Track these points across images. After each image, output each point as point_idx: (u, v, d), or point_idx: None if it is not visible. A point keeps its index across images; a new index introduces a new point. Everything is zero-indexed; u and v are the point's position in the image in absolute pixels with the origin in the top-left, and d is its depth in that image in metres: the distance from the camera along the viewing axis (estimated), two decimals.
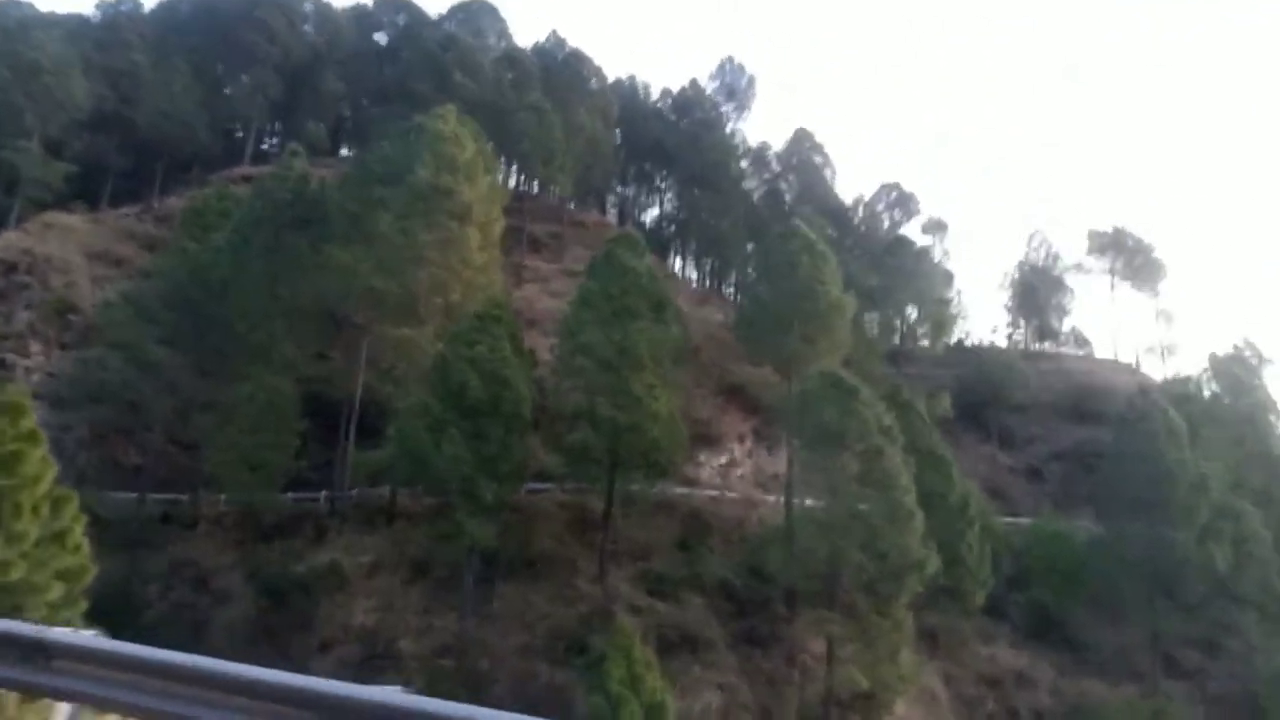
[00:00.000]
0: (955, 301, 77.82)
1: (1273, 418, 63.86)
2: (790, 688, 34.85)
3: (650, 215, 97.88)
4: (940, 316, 74.64)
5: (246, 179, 64.83)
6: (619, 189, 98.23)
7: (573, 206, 78.02)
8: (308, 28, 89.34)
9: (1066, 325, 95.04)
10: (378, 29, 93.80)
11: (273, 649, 33.45)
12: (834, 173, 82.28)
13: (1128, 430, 51.55)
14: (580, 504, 40.45)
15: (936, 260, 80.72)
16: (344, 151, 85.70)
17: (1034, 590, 47.47)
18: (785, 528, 38.60)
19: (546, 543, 38.21)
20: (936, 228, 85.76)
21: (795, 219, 51.09)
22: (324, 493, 43.38)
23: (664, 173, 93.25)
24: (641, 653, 28.25)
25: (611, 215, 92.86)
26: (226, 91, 79.92)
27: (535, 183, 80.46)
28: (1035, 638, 45.67)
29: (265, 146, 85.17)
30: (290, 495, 41.97)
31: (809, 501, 38.13)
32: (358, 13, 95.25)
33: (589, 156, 73.37)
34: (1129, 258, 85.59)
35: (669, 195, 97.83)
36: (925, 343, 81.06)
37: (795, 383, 42.83)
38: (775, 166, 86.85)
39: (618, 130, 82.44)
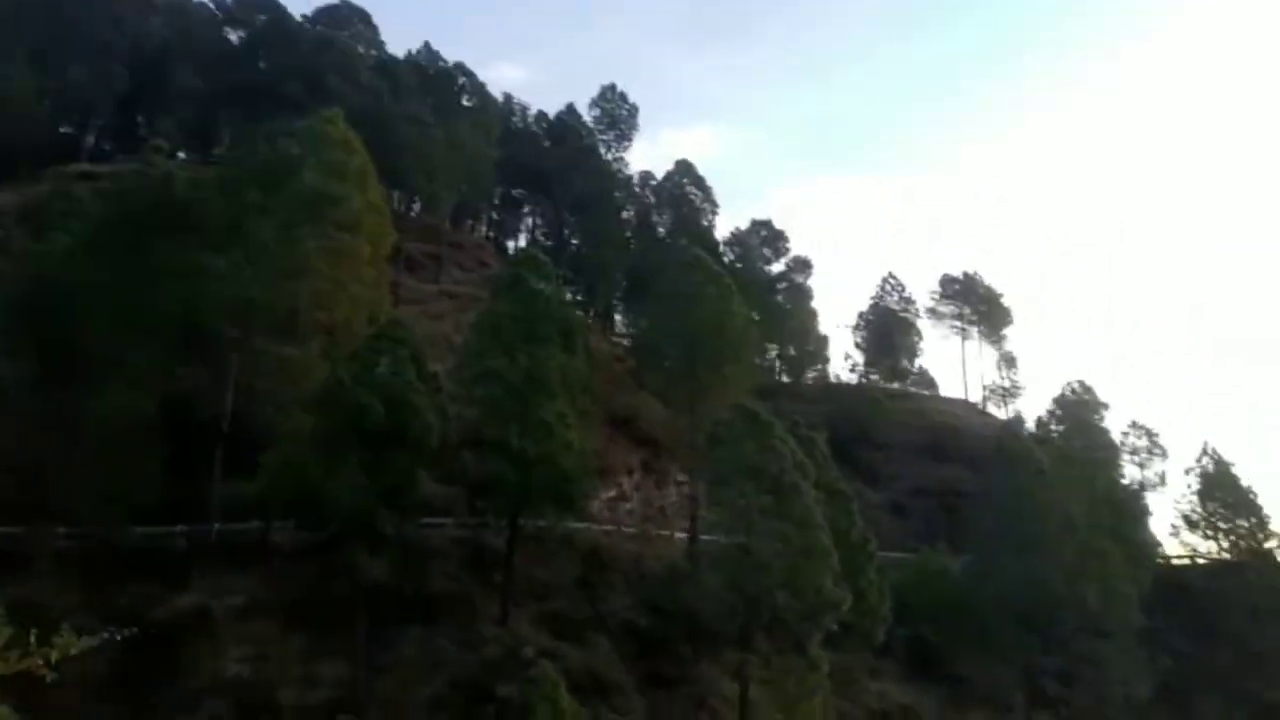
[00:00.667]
0: (824, 340, 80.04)
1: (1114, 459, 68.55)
2: None
3: (520, 240, 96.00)
4: (815, 354, 76.50)
5: (87, 176, 58.80)
6: (489, 212, 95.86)
7: (448, 226, 75.10)
8: (157, 20, 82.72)
9: (915, 365, 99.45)
10: (233, 26, 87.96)
11: (131, 704, 29.38)
12: (714, 206, 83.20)
13: (999, 470, 54.01)
14: (476, 540, 38.02)
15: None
16: (181, 155, 79.42)
17: (916, 625, 48.40)
18: (693, 565, 37.63)
19: (443, 582, 35.59)
20: (802, 266, 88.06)
21: (693, 250, 50.68)
22: (180, 527, 38.92)
23: (537, 197, 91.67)
24: (569, 703, 26.39)
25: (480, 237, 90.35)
26: (61, 82, 72.40)
27: (396, 197, 77.20)
28: (918, 672, 46.53)
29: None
30: (141, 530, 37.36)
31: (719, 538, 37.30)
32: (211, 9, 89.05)
33: (469, 175, 70.91)
34: (977, 304, 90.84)
35: (539, 220, 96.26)
36: (785, 378, 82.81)
37: (701, 416, 42.29)
38: (651, 198, 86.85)
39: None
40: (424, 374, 36.52)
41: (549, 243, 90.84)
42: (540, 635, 34.61)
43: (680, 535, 45.70)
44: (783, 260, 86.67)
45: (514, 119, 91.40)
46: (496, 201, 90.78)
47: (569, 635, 35.16)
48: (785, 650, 33.93)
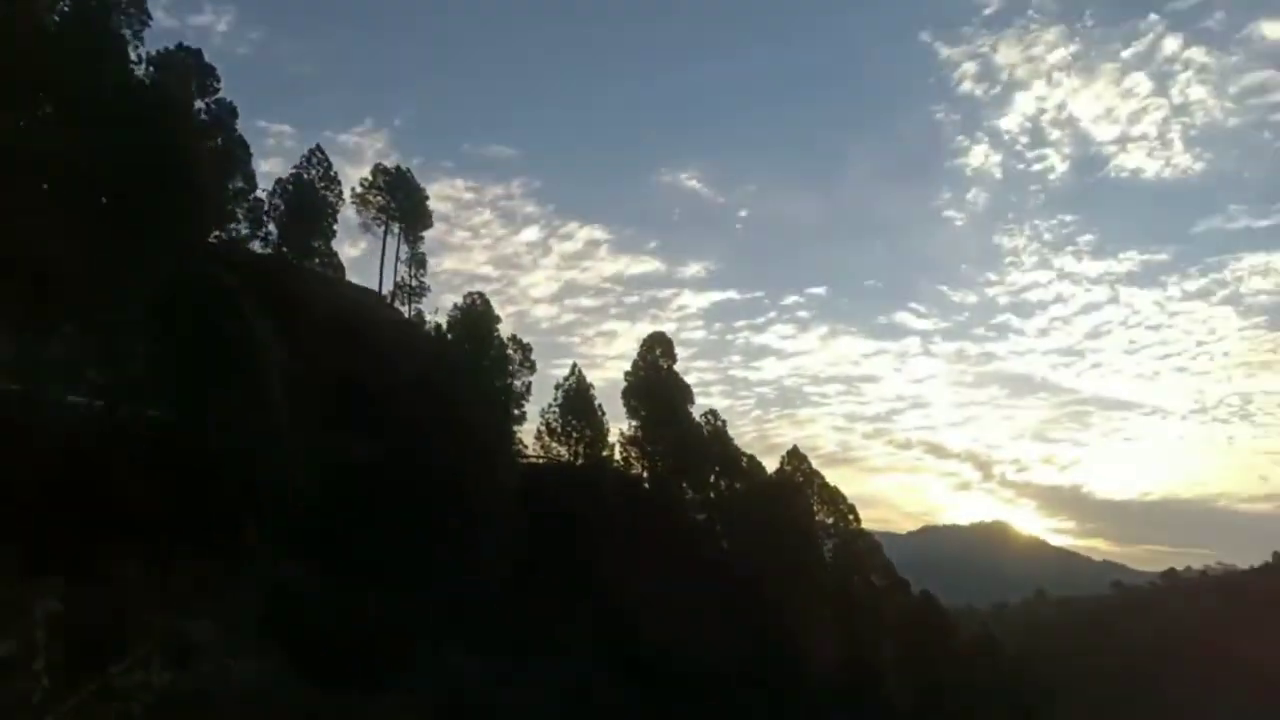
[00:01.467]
0: (260, 204, 73.42)
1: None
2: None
3: None
4: (244, 215, 69.61)
5: None
6: None
7: None
8: None
9: (330, 248, 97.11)
10: None
11: None
12: (144, 15, 68.26)
13: (409, 363, 57.08)
14: None
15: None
16: None
17: (320, 508, 48.41)
18: (111, 440, 32.53)
19: None
20: (230, 112, 78.89)
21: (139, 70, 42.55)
22: None
23: None
24: None
25: None
26: None
27: None
28: (318, 554, 46.79)
29: None
30: None
31: (151, 412, 32.79)
32: None
33: None
34: (403, 201, 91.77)
35: None
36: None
37: (127, 263, 36.26)
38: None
39: None
40: None
41: None
42: None
43: (76, 399, 38.65)
44: (207, 100, 76.46)
45: None
46: None
47: None
48: (217, 536, 31.55)
